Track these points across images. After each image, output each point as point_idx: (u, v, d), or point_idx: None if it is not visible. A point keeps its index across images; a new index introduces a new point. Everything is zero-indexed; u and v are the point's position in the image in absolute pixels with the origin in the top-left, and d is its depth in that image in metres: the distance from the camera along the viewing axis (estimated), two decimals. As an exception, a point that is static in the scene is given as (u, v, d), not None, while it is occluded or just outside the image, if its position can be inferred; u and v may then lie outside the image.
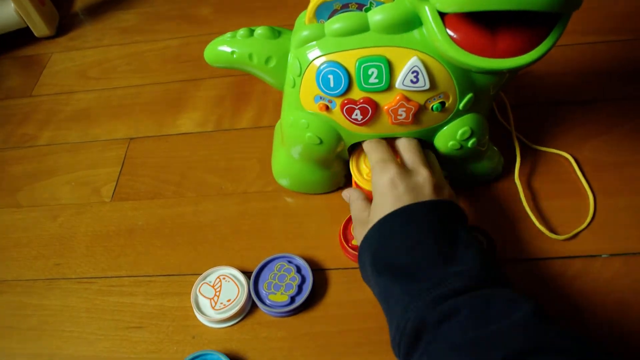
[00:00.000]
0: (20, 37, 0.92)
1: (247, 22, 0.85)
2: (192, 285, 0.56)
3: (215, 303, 0.54)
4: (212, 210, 0.64)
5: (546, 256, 0.54)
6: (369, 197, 0.52)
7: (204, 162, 0.69)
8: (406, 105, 0.48)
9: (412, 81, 0.46)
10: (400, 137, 0.53)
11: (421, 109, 0.48)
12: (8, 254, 0.65)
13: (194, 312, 0.55)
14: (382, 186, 0.47)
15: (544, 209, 0.58)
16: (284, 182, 0.63)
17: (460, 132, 0.51)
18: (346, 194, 0.55)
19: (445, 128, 0.51)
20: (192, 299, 0.55)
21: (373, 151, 0.51)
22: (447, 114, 0.50)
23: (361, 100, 0.48)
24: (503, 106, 0.65)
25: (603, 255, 0.54)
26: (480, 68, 0.44)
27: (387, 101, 0.48)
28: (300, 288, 0.54)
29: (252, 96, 0.76)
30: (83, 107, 0.81)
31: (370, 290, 0.47)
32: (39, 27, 0.90)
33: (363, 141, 0.54)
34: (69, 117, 0.79)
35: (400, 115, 0.49)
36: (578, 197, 0.58)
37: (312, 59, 0.48)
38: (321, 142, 0.53)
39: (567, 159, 0.61)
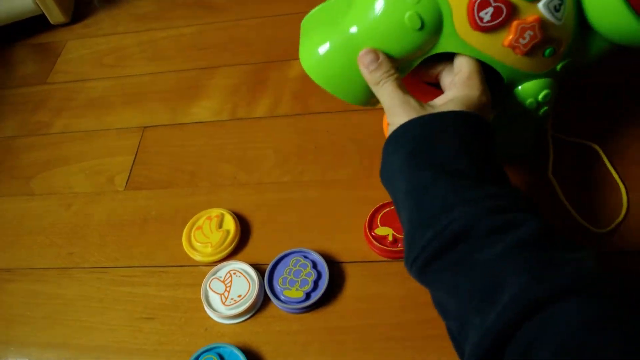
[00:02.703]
0: (35, 24, 0.91)
1: (264, 9, 0.84)
2: (205, 276, 0.55)
3: (226, 299, 0.53)
4: (226, 201, 0.62)
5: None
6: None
7: (218, 151, 0.68)
8: (536, 30, 0.43)
9: (555, 8, 0.43)
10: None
11: (540, 45, 0.45)
12: (22, 242, 0.64)
13: (206, 305, 0.54)
14: (478, 101, 0.43)
15: (577, 204, 0.55)
16: (316, 72, 0.48)
17: (543, 93, 0.48)
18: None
19: (532, 82, 0.48)
20: (202, 295, 0.54)
21: (472, 64, 0.46)
22: (547, 66, 0.47)
23: None
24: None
25: (633, 252, 0.51)
26: None
27: (524, 15, 0.43)
28: (316, 284, 0.53)
29: (268, 85, 0.74)
30: (97, 95, 0.80)
31: (385, 186, 0.43)
32: (54, 14, 0.89)
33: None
34: (83, 105, 0.79)
35: (524, 38, 0.44)
36: (609, 191, 0.56)
37: None
38: (422, 26, 0.44)
39: (596, 152, 0.58)
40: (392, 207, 0.56)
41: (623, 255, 0.51)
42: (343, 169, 0.62)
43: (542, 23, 0.43)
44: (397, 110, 0.43)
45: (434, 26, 0.44)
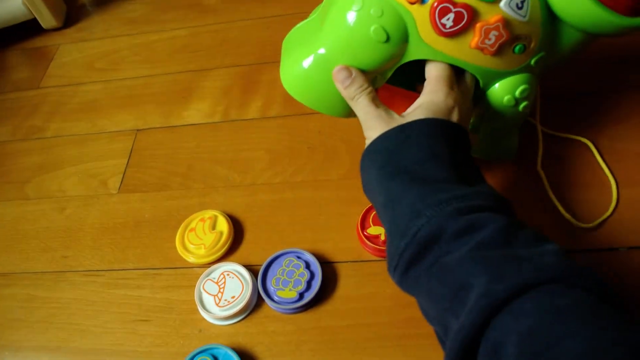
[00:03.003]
0: (27, 29, 0.91)
1: (255, 11, 0.85)
2: (199, 278, 0.56)
3: (220, 300, 0.54)
4: (219, 202, 0.63)
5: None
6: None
7: (211, 153, 0.68)
8: (501, 29, 0.44)
9: (517, 6, 0.43)
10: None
11: (508, 43, 0.45)
12: (17, 246, 0.64)
13: (200, 306, 0.54)
14: (444, 105, 0.44)
15: (566, 199, 0.56)
16: (296, 90, 0.50)
17: (520, 88, 0.48)
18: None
19: (508, 79, 0.48)
20: (196, 296, 0.54)
21: (441, 68, 0.46)
22: (520, 61, 0.47)
23: (461, 4, 0.43)
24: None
25: (621, 249, 0.52)
26: (616, 25, 0.43)
27: (486, 17, 0.44)
28: (309, 284, 0.53)
29: (260, 86, 0.74)
30: (90, 98, 0.80)
31: (370, 200, 0.45)
32: (47, 19, 0.90)
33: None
34: (76, 109, 0.79)
35: (490, 39, 0.44)
36: (599, 186, 0.56)
37: None
38: (388, 39, 0.45)
39: (587, 147, 0.59)
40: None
41: (612, 252, 0.52)
42: (335, 170, 0.63)
43: (506, 22, 0.44)
44: (370, 124, 0.45)
45: (399, 37, 0.45)
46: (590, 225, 0.53)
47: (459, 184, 0.40)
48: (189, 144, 0.70)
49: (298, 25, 0.52)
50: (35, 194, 0.69)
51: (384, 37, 0.45)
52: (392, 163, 0.42)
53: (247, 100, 0.73)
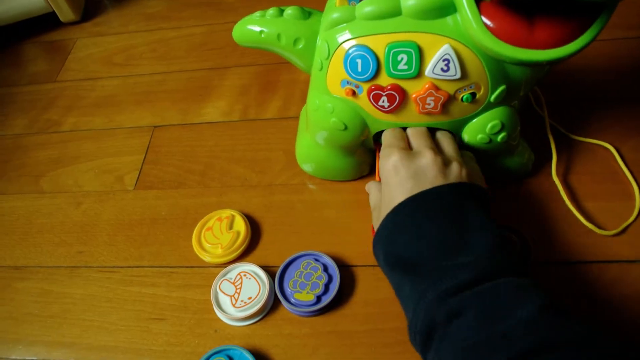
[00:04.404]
0: (45, 22, 0.91)
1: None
2: (215, 277, 0.55)
3: (236, 301, 0.53)
4: (237, 202, 0.62)
5: (581, 259, 0.52)
6: None
7: (228, 152, 0.68)
8: (435, 94, 0.46)
9: (442, 70, 0.44)
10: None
11: (450, 99, 0.46)
12: (31, 240, 0.64)
13: (216, 306, 0.54)
14: (387, 172, 0.47)
15: (585, 208, 0.55)
16: (307, 167, 0.61)
17: (490, 125, 0.49)
18: (367, 185, 0.54)
19: (474, 120, 0.49)
20: (212, 296, 0.54)
21: (385, 136, 0.50)
22: (478, 105, 0.48)
23: (389, 87, 0.46)
24: (538, 102, 0.63)
25: (645, 261, 0.51)
26: (516, 59, 0.42)
27: (415, 89, 0.46)
28: (327, 287, 0.52)
29: (279, 86, 0.74)
30: (107, 93, 0.80)
31: None
32: (65, 12, 0.90)
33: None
34: (93, 104, 0.79)
35: (429, 104, 0.47)
36: (620, 194, 0.56)
37: (341, 42, 0.46)
38: (346, 128, 0.51)
39: (609, 152, 0.58)
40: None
41: (633, 264, 0.51)
42: (354, 172, 0.62)
43: (437, 87, 0.45)
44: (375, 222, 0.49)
45: (356, 122, 0.51)
46: (613, 232, 0.53)
47: (450, 254, 0.40)
48: (206, 142, 0.69)
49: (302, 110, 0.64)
50: (50, 188, 0.69)
51: (342, 127, 0.51)
52: (390, 252, 0.44)
53: (266, 99, 0.73)
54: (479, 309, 0.36)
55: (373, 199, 0.51)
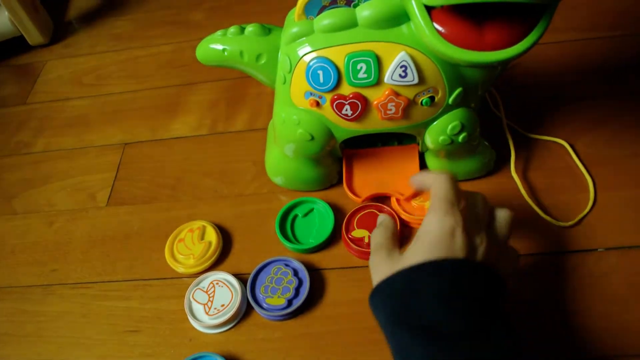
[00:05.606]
0: (14, 46, 0.92)
1: (240, 26, 0.86)
2: (188, 287, 0.56)
3: (209, 309, 0.54)
4: (208, 213, 0.64)
5: (541, 251, 0.54)
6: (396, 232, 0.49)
7: (199, 165, 0.69)
8: (395, 100, 0.48)
9: (400, 76, 0.47)
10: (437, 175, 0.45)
11: (410, 104, 0.49)
12: (4, 261, 0.64)
13: (190, 315, 0.55)
14: (441, 231, 0.40)
15: (543, 202, 0.58)
16: (278, 180, 0.63)
17: (450, 126, 0.51)
18: (381, 217, 0.51)
19: (435, 123, 0.52)
20: (185, 305, 0.55)
21: (442, 188, 0.43)
22: (437, 108, 0.50)
23: (351, 96, 0.48)
24: (495, 104, 0.65)
25: (599, 250, 0.54)
26: (468, 61, 0.44)
27: (376, 96, 0.48)
28: (297, 291, 0.54)
29: (246, 99, 0.76)
30: (78, 113, 0.81)
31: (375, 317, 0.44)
32: (33, 35, 0.90)
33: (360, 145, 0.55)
34: (64, 124, 0.79)
35: (390, 110, 0.49)
36: (575, 188, 0.58)
37: (302, 55, 0.48)
38: (313, 138, 0.53)
39: (564, 148, 0.61)
40: (368, 211, 0.59)
41: (589, 253, 0.53)
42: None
43: (397, 92, 0.48)
44: (376, 266, 0.44)
45: (322, 132, 0.53)
46: (570, 223, 0.55)
47: (471, 336, 0.37)
48: (176, 157, 0.71)
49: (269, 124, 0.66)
50: (23, 209, 0.70)
51: (309, 137, 0.53)
52: (399, 313, 0.40)
53: (234, 113, 0.74)
54: None
55: (383, 236, 0.46)
